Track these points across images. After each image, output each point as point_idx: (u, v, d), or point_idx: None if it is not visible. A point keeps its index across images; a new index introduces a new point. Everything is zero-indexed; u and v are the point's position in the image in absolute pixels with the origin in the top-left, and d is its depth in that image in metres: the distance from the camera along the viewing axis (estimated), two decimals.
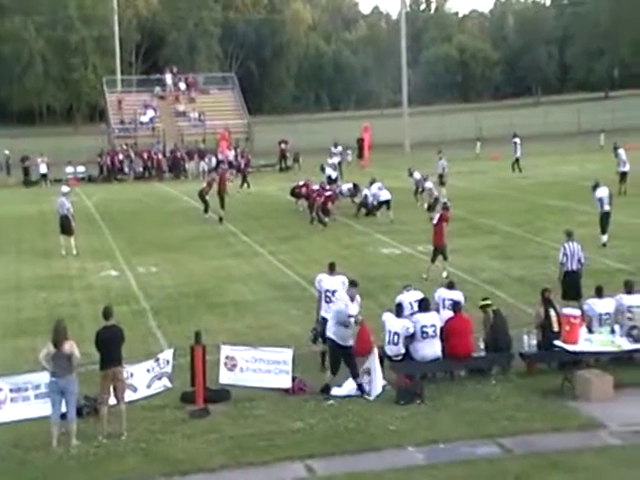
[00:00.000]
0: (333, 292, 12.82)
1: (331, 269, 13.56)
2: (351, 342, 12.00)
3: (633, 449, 10.14)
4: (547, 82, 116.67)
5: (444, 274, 18.03)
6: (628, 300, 12.97)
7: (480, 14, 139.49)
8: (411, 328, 12.43)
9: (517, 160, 38.33)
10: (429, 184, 27.39)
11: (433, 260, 18.76)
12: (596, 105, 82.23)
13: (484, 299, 13.35)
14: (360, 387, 11.97)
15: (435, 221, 19.04)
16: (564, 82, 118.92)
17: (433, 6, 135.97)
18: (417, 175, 29.34)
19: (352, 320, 11.91)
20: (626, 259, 19.14)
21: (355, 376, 11.96)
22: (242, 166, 39.61)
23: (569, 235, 15.49)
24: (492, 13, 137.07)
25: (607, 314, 12.87)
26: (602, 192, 21.39)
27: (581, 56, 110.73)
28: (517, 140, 38.86)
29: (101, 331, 11.26)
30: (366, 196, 27.57)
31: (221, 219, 27.44)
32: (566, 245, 15.25)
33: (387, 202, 26.66)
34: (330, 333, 12.03)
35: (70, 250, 23.05)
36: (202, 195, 28.25)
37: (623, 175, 29.87)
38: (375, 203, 27.17)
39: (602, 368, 12.18)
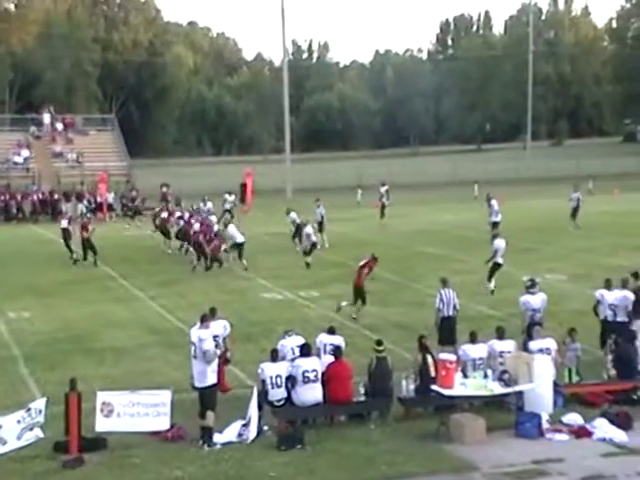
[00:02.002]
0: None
1: (212, 314, 13.55)
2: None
3: None
4: (424, 133, 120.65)
5: (353, 315, 18.89)
6: (499, 346, 13.48)
7: (360, 65, 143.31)
8: (290, 368, 12.57)
9: (384, 206, 39.64)
10: (309, 229, 27.70)
11: (355, 301, 19.21)
12: (469, 157, 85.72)
13: (378, 343, 13.31)
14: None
15: (361, 264, 19.65)
16: (440, 134, 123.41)
17: (315, 55, 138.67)
18: (293, 215, 30.10)
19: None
20: (497, 305, 19.90)
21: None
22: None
23: (444, 282, 16.05)
24: (372, 64, 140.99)
25: (480, 359, 13.34)
26: (500, 243, 22.15)
27: (455, 110, 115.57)
28: (385, 188, 40.42)
29: None
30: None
31: (96, 262, 27.04)
32: (442, 292, 15.79)
33: (240, 245, 26.41)
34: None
35: None
36: (83, 243, 27.70)
37: (495, 224, 31.15)
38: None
39: (475, 411, 12.56)
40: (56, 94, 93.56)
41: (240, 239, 26.51)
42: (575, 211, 34.32)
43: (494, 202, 32.19)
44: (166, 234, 30.12)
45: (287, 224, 30.63)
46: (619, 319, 14.88)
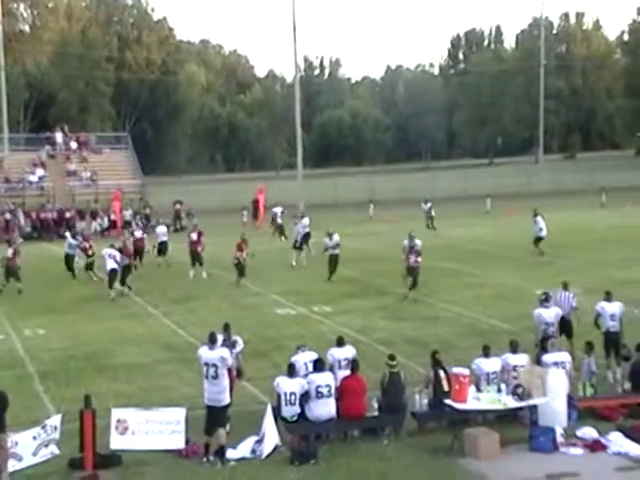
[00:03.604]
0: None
1: (226, 330, 13.60)
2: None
3: None
4: (436, 148, 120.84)
5: None
6: (513, 360, 13.44)
7: (372, 80, 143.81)
8: (306, 385, 12.55)
9: (432, 219, 41.77)
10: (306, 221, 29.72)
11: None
12: (481, 171, 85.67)
13: (391, 358, 13.30)
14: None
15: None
16: (451, 148, 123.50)
17: (327, 71, 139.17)
18: (306, 220, 31.35)
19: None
20: (511, 319, 19.86)
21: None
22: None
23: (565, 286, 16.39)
24: (383, 80, 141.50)
25: (494, 373, 13.29)
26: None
27: (467, 124, 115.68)
28: (428, 205, 42.45)
29: None
30: None
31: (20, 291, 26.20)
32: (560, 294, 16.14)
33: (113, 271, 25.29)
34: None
35: None
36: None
37: (538, 239, 30.78)
38: None
39: (489, 426, 12.49)
40: (70, 113, 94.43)
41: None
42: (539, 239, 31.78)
43: (539, 218, 31.53)
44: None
45: (295, 230, 31.35)
46: (620, 330, 15.03)
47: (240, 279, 26.26)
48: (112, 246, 25.92)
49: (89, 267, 28.60)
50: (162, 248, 31.34)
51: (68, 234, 31.03)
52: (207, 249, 28.76)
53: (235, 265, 26.38)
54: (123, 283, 25.47)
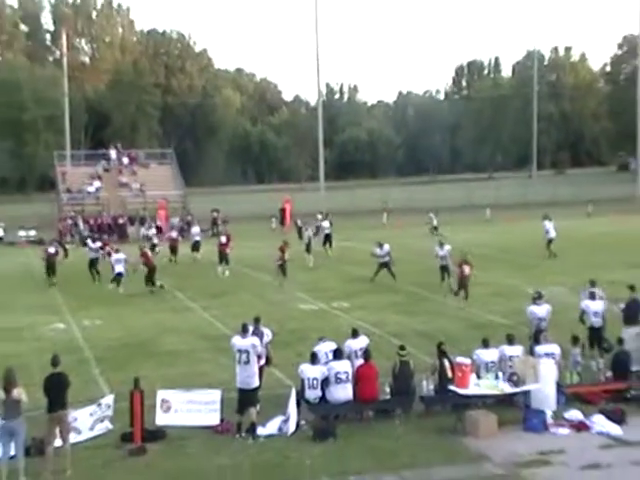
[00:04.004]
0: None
1: (256, 322, 13.63)
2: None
3: (511, 478, 10.38)
4: (441, 163, 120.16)
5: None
6: (509, 351, 13.36)
7: (385, 104, 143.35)
8: (326, 372, 12.55)
9: (435, 227, 41.61)
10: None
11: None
12: (482, 184, 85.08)
13: (401, 348, 13.25)
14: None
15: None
16: (455, 164, 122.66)
17: (346, 96, 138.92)
18: (326, 223, 32.04)
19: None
20: (507, 315, 19.73)
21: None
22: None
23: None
24: (395, 104, 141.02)
25: (492, 362, 13.22)
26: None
27: (469, 143, 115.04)
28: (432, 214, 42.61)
29: (49, 378, 11.02)
30: None
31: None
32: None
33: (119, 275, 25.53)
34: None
35: None
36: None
37: (550, 241, 30.82)
38: None
39: (488, 409, 12.45)
40: (123, 133, 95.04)
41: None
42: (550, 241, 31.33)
43: (546, 222, 31.44)
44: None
45: (306, 235, 31.58)
46: (603, 325, 14.94)
47: (283, 279, 25.49)
48: (118, 251, 26.40)
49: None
50: (196, 245, 32.93)
51: (89, 240, 30.38)
52: (239, 251, 28.91)
53: (279, 266, 25.52)
54: (154, 283, 25.12)
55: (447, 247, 24.18)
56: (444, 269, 23.79)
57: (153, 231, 41.11)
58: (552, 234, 31.13)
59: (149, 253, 26.10)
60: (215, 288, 25.67)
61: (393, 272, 25.41)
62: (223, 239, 29.57)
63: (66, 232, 43.13)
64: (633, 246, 32.35)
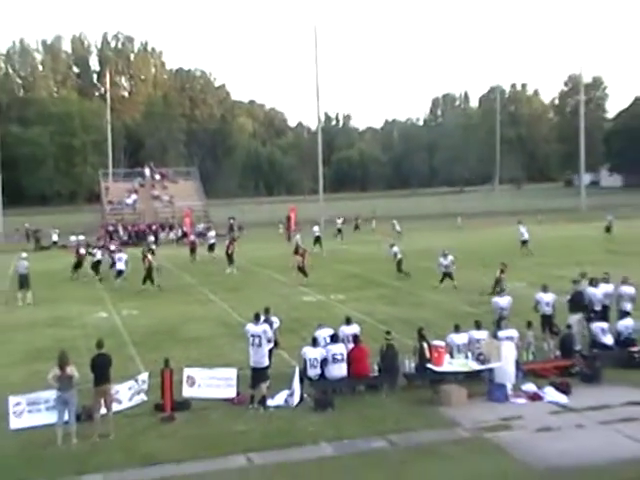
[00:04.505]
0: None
1: (266, 312, 13.67)
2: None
3: (478, 440, 10.43)
4: (421, 179, 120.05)
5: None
6: (477, 335, 13.38)
7: (374, 129, 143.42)
8: (325, 353, 12.57)
9: (398, 232, 40.49)
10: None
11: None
12: (454, 196, 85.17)
13: (388, 333, 13.23)
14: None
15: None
16: (433, 179, 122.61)
17: (341, 122, 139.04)
18: (316, 228, 32.66)
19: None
20: (475, 305, 19.75)
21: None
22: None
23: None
24: (382, 129, 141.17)
25: (463, 344, 13.25)
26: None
27: (444, 162, 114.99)
28: (395, 221, 41.92)
29: (95, 357, 11.10)
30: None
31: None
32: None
33: (120, 272, 25.23)
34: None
35: (26, 301, 22.13)
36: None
37: (524, 242, 30.97)
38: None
39: (459, 383, 12.50)
40: (155, 154, 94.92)
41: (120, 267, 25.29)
42: (524, 242, 31.45)
43: (520, 226, 31.68)
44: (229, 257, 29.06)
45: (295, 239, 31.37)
46: (553, 313, 14.90)
47: (304, 279, 24.50)
48: (120, 250, 26.58)
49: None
50: (212, 247, 33.06)
51: (95, 249, 29.14)
52: (250, 252, 29.10)
53: (298, 268, 24.72)
54: (152, 282, 24.15)
55: (450, 257, 23.25)
56: (446, 275, 22.99)
57: (179, 234, 41.30)
58: (526, 236, 31.45)
59: (149, 256, 25.45)
60: (231, 283, 25.68)
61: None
62: (227, 242, 29.85)
63: (102, 237, 43.06)
64: (577, 248, 32.60)
